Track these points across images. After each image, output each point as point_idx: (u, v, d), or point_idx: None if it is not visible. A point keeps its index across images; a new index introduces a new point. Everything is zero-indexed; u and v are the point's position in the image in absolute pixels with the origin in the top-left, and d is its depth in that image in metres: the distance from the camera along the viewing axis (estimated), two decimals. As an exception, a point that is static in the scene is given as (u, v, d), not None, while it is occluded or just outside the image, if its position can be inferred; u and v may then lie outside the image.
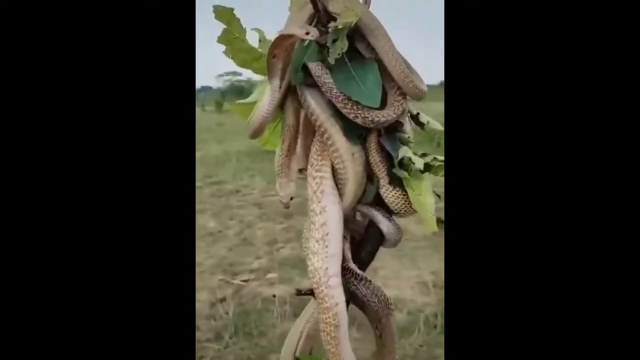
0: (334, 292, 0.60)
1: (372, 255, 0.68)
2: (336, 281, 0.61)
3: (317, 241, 0.60)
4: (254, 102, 0.64)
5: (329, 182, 0.61)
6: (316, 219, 0.61)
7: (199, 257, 3.50)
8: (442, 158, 0.60)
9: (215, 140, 9.81)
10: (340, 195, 0.62)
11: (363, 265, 0.67)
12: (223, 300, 2.81)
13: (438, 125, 0.63)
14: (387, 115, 0.59)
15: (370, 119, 0.58)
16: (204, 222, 4.32)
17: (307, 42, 0.58)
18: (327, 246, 0.60)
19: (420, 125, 0.63)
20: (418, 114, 0.63)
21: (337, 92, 0.58)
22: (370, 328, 0.69)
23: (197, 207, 4.69)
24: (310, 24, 0.59)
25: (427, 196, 0.58)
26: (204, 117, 16.36)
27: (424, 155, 0.61)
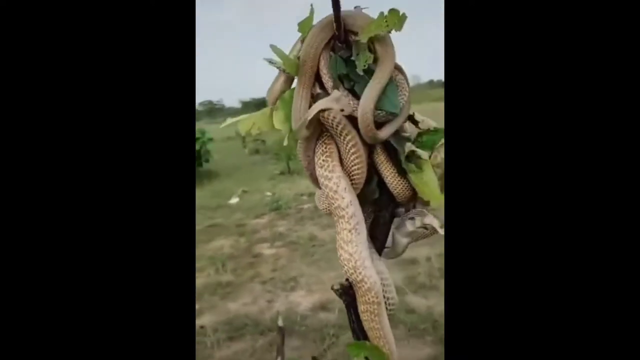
0: (370, 272, 0.65)
1: (383, 244, 0.74)
2: (369, 263, 0.66)
3: (350, 231, 0.65)
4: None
5: (346, 180, 0.66)
6: (344, 212, 0.65)
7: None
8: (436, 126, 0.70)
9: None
10: None
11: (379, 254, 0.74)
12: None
13: (431, 122, 0.72)
14: (387, 133, 0.65)
15: (375, 136, 0.64)
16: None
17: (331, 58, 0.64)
18: (359, 234, 0.65)
19: (415, 123, 0.71)
20: (413, 113, 0.71)
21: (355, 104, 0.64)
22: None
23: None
24: (329, 42, 0.64)
25: (430, 175, 0.66)
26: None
27: (420, 136, 0.70)
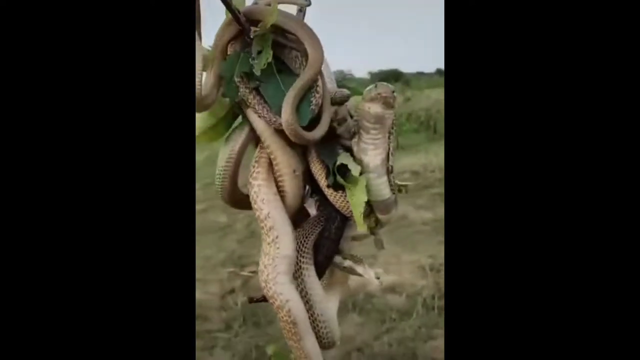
0: (282, 289, 0.59)
1: (329, 260, 0.67)
2: (285, 279, 0.60)
3: (269, 244, 0.60)
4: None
5: (267, 190, 0.60)
6: (262, 224, 0.60)
7: (210, 251, 3.54)
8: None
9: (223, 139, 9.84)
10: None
11: (321, 270, 0.66)
12: (232, 291, 2.84)
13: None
14: (316, 134, 0.58)
15: (307, 139, 0.57)
16: (214, 217, 4.35)
17: (234, 53, 0.57)
18: (278, 248, 0.60)
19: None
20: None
21: (264, 111, 0.57)
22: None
23: (208, 203, 4.71)
24: (235, 39, 0.59)
25: (360, 196, 0.57)
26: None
27: None
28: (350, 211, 0.61)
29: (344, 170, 0.58)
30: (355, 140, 0.61)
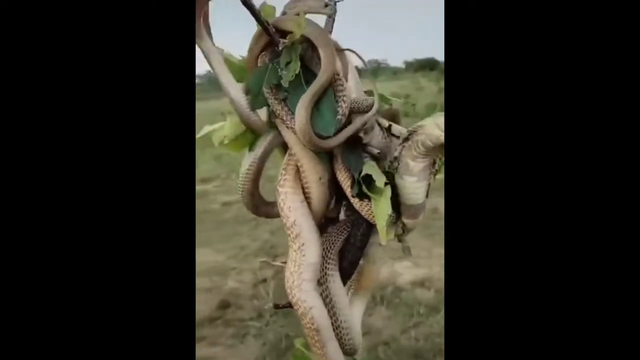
0: (306, 297, 0.60)
1: (354, 266, 0.67)
2: (309, 286, 0.60)
3: (295, 251, 0.61)
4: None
5: (294, 197, 0.61)
6: (289, 231, 0.61)
7: (244, 241, 3.61)
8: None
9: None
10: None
11: (346, 276, 0.67)
12: (264, 281, 2.89)
13: (403, 130, 0.61)
14: (331, 142, 0.58)
15: (319, 145, 0.58)
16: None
17: (263, 65, 0.58)
18: (304, 255, 0.60)
19: (395, 137, 0.61)
20: (390, 126, 0.62)
21: (293, 121, 0.57)
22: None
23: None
24: (265, 49, 0.59)
25: (385, 207, 0.57)
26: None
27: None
28: (374, 217, 0.61)
29: (369, 180, 0.58)
30: (405, 143, 0.60)
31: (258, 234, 3.75)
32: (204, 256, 3.27)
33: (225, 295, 2.77)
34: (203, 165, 6.27)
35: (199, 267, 2.80)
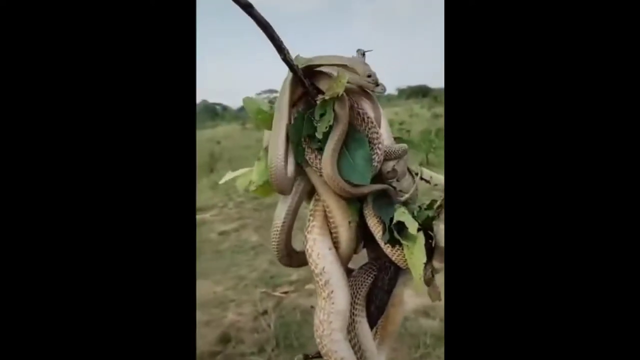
0: (337, 347, 0.58)
1: (382, 310, 0.66)
2: (340, 335, 0.58)
3: (324, 299, 0.59)
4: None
5: (322, 244, 0.60)
6: (317, 279, 0.59)
7: (243, 271, 3.55)
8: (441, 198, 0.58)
9: (254, 157, 9.94)
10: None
11: (373, 320, 0.65)
12: (265, 312, 2.83)
13: (441, 180, 0.61)
14: (364, 189, 0.57)
15: (351, 192, 0.57)
16: (246, 236, 4.37)
17: (300, 116, 0.57)
18: (333, 303, 0.58)
19: (426, 181, 0.61)
20: (421, 170, 0.61)
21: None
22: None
23: (241, 222, 4.75)
24: (299, 101, 0.58)
25: (420, 256, 0.56)
26: (245, 135, 16.53)
27: (426, 207, 0.59)
28: (406, 263, 0.59)
29: (401, 226, 0.56)
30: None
31: (257, 264, 3.69)
32: (201, 288, 3.20)
33: (225, 328, 2.69)
34: (199, 195, 6.23)
35: (197, 299, 2.74)
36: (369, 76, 0.55)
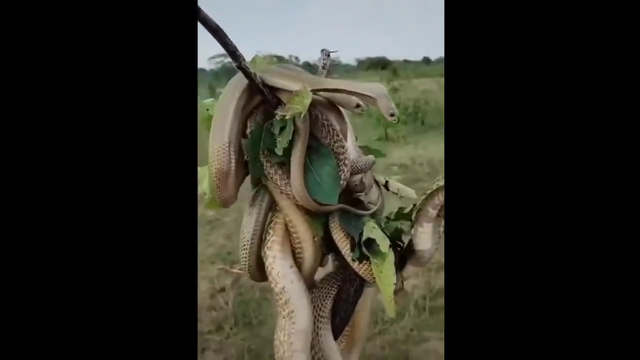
0: None
1: (346, 322, 0.63)
2: (302, 356, 0.55)
3: (284, 318, 0.55)
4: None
5: (283, 262, 0.56)
6: (277, 297, 0.55)
7: (199, 247, 3.47)
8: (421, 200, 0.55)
9: (209, 130, 9.66)
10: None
11: (337, 332, 0.62)
12: (222, 290, 2.78)
13: (410, 193, 0.57)
14: (338, 205, 0.53)
15: (321, 210, 0.53)
16: (202, 210, 4.27)
17: (257, 127, 0.51)
18: (294, 323, 0.55)
19: (393, 193, 0.57)
20: (387, 182, 0.57)
21: (287, 187, 0.52)
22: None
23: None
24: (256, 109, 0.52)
25: (389, 273, 0.52)
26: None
27: (394, 218, 0.55)
28: (374, 278, 0.56)
29: (370, 242, 0.52)
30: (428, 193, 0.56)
31: (213, 238, 3.62)
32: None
33: (181, 307, 2.64)
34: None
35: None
36: (392, 115, 0.49)
